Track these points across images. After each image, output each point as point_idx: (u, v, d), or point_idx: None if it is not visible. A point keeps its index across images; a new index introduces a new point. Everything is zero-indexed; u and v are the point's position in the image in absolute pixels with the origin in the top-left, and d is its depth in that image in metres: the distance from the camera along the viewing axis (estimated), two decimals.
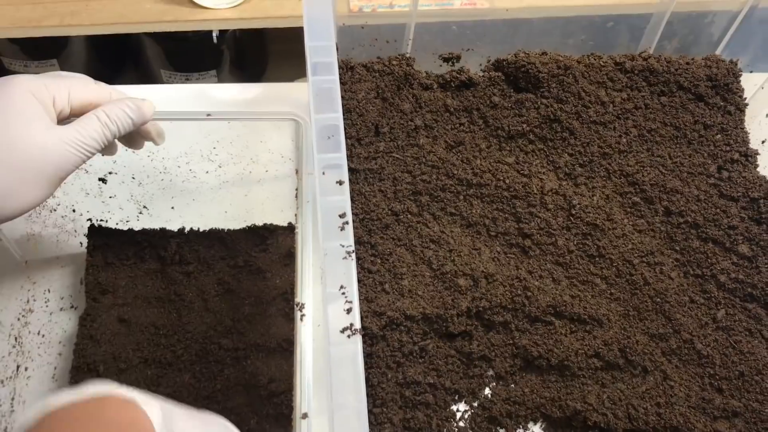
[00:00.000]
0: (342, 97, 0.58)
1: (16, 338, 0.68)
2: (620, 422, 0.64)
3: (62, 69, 1.30)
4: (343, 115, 0.57)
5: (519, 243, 0.71)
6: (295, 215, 0.72)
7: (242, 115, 0.75)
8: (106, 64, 1.45)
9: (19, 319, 0.69)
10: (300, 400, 0.58)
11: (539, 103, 0.75)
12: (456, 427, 0.65)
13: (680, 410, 0.65)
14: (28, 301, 0.70)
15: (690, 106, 0.77)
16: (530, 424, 0.66)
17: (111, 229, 0.72)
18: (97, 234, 0.72)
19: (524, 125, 0.75)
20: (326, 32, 0.60)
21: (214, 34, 1.28)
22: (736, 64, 0.78)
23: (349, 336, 0.49)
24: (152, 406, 0.44)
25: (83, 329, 0.67)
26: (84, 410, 0.43)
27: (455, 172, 0.72)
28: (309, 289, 0.63)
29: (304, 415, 0.57)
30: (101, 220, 0.73)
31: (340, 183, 0.54)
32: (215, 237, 0.73)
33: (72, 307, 0.70)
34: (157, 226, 0.73)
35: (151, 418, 0.43)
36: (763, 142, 0.79)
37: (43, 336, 0.69)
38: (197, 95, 0.82)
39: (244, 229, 0.73)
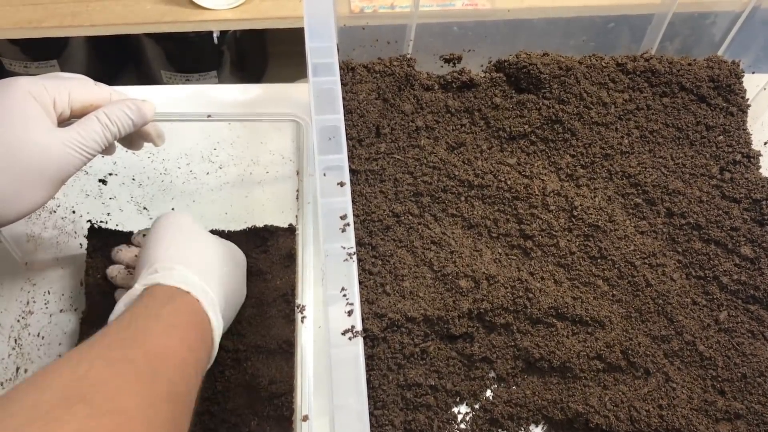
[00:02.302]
0: (343, 98, 0.58)
1: (15, 340, 0.67)
2: (622, 424, 0.64)
3: (62, 70, 1.30)
4: (344, 116, 0.57)
5: (520, 244, 0.71)
6: (296, 216, 0.71)
7: (243, 116, 0.75)
8: (107, 65, 1.45)
9: (18, 321, 0.68)
10: (300, 401, 0.58)
11: (541, 104, 0.75)
12: (457, 429, 0.65)
13: (682, 412, 0.65)
14: (27, 303, 0.70)
15: (692, 107, 0.77)
16: (532, 427, 0.66)
17: (111, 230, 0.72)
18: (97, 235, 0.71)
19: (526, 126, 0.75)
20: (327, 33, 0.59)
21: (214, 35, 1.28)
22: (738, 65, 0.78)
23: (350, 338, 0.49)
24: (218, 316, 0.55)
25: (83, 331, 0.67)
26: (171, 293, 0.53)
27: (456, 173, 0.72)
28: (310, 291, 0.63)
29: (305, 417, 0.57)
30: (101, 222, 0.73)
31: (341, 184, 0.53)
32: None
33: (72, 308, 0.70)
34: None
35: (213, 325, 0.54)
36: (765, 143, 0.79)
37: (43, 338, 0.68)
38: (197, 96, 0.82)
39: (244, 230, 0.73)
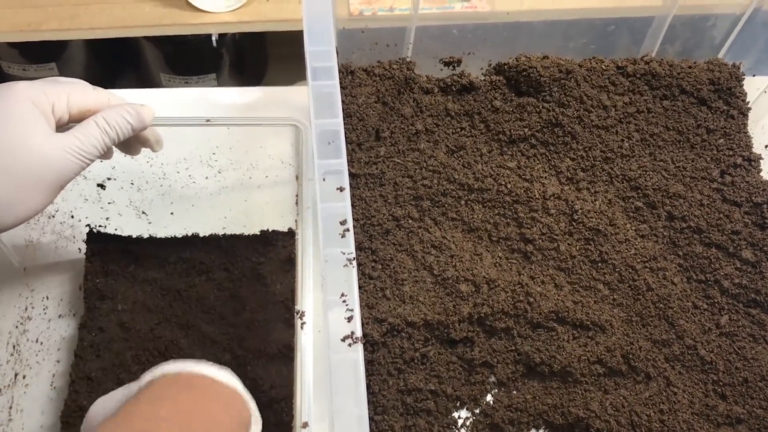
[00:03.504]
0: (342, 101, 0.58)
1: (14, 346, 0.67)
2: (623, 429, 0.64)
3: (61, 73, 1.30)
4: (344, 119, 0.57)
5: (521, 248, 0.71)
6: (296, 221, 0.71)
7: (242, 121, 0.75)
8: (106, 68, 1.45)
9: (17, 327, 0.68)
10: (300, 406, 0.58)
11: (541, 107, 0.75)
12: None
13: (683, 417, 0.65)
14: (26, 308, 0.69)
15: (692, 110, 0.76)
16: (532, 431, 0.66)
17: (110, 235, 0.72)
18: (96, 240, 0.71)
19: (526, 129, 0.75)
20: (326, 36, 0.59)
21: (213, 38, 1.28)
22: (739, 68, 0.78)
23: (350, 344, 0.48)
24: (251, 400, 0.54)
25: (82, 336, 0.67)
26: (208, 383, 0.52)
27: (456, 176, 0.72)
28: (309, 295, 0.62)
29: (305, 424, 0.57)
30: (100, 226, 0.72)
31: (341, 189, 0.53)
32: (215, 243, 0.73)
33: (71, 313, 0.70)
34: (156, 232, 0.73)
35: (251, 413, 0.53)
36: (766, 146, 0.79)
37: (42, 343, 0.68)
38: (197, 100, 0.82)
39: (243, 234, 0.73)
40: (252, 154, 0.75)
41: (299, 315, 0.61)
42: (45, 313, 0.69)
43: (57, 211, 0.72)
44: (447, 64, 0.78)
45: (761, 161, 0.76)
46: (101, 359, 0.66)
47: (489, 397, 0.67)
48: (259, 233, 0.73)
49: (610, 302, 0.69)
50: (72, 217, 0.73)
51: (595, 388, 0.66)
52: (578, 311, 0.67)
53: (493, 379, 0.67)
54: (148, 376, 0.53)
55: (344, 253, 0.51)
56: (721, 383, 0.67)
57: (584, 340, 0.67)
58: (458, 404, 0.66)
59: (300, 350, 0.60)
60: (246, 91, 0.83)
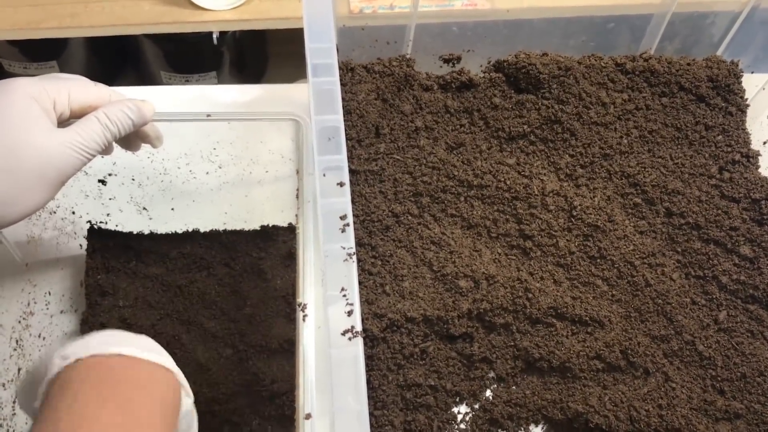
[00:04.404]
0: (342, 98, 0.58)
1: (17, 341, 0.67)
2: (622, 424, 0.64)
3: (62, 71, 1.29)
4: (344, 116, 0.57)
5: (520, 244, 0.71)
6: (296, 215, 0.71)
7: (242, 116, 0.75)
8: (106, 66, 1.45)
9: (20, 322, 0.68)
10: (303, 400, 0.58)
11: (540, 104, 0.75)
12: (457, 429, 0.65)
13: (682, 412, 0.65)
14: (28, 304, 0.70)
15: (691, 107, 0.77)
16: (531, 426, 0.66)
17: (111, 231, 0.72)
18: (97, 236, 0.72)
19: (525, 126, 0.75)
20: (326, 34, 0.60)
21: (214, 36, 1.28)
22: (737, 65, 0.78)
23: (350, 339, 0.49)
24: (180, 373, 0.50)
25: (84, 332, 0.67)
26: (129, 364, 0.48)
27: (456, 173, 0.72)
28: (310, 289, 0.62)
29: (308, 416, 0.57)
30: (101, 222, 0.73)
31: (341, 185, 0.53)
32: (215, 238, 0.73)
33: (72, 309, 0.70)
34: (157, 227, 0.73)
35: (181, 387, 0.50)
36: (764, 143, 0.79)
37: (44, 338, 0.68)
38: (197, 96, 0.82)
39: (244, 230, 0.73)
40: (252, 149, 0.76)
41: (301, 307, 0.62)
42: (47, 309, 0.70)
43: (58, 207, 0.73)
44: (447, 61, 0.78)
45: (759, 158, 0.76)
46: None
47: (488, 393, 0.67)
48: (259, 228, 0.73)
49: (609, 298, 0.70)
50: (73, 213, 0.73)
51: (594, 383, 0.67)
52: (577, 307, 0.68)
53: (492, 374, 0.68)
54: (57, 361, 0.47)
55: (344, 248, 0.51)
56: (719, 378, 0.67)
57: (583, 336, 0.68)
58: (458, 399, 0.66)
59: (302, 344, 0.60)
60: (246, 88, 0.84)
